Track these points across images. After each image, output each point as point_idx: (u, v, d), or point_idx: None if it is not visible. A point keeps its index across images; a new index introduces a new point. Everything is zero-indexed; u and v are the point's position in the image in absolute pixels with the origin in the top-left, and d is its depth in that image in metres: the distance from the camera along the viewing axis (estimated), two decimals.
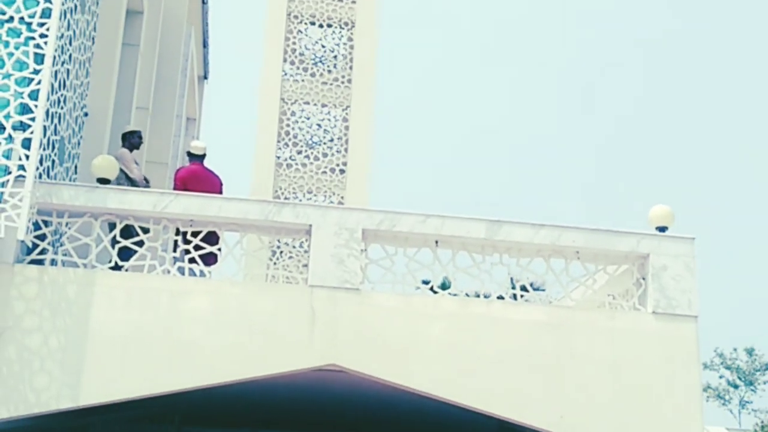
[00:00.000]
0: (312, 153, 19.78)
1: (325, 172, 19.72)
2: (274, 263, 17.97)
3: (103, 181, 8.76)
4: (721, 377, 58.31)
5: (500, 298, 8.80)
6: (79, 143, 10.01)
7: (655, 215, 8.89)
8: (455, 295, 8.63)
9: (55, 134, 8.90)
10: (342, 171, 19.76)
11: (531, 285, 8.86)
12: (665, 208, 8.89)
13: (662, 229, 8.87)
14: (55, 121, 8.85)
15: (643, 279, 8.81)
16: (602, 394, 8.31)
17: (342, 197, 19.44)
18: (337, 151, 19.89)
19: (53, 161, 8.90)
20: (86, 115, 10.24)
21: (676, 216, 8.85)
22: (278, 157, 19.70)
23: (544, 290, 9.00)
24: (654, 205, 8.98)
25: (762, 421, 36.32)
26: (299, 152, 19.71)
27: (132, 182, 9.97)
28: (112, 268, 8.38)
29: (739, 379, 57.60)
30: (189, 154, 10.48)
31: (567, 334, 8.45)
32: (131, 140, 10.68)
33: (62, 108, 9.07)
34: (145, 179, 10.31)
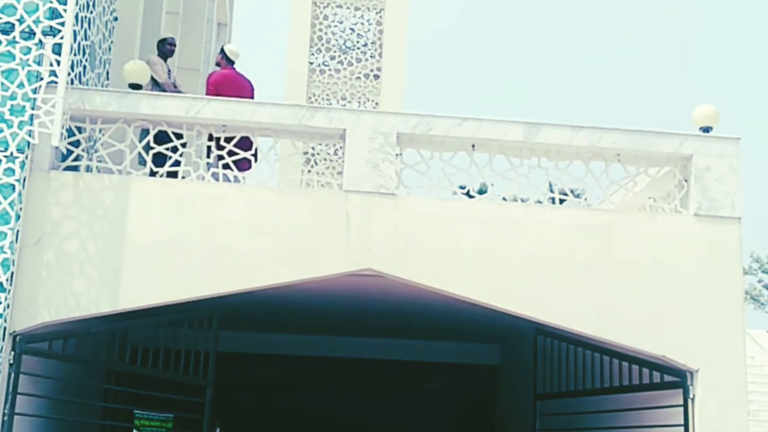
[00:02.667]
0: (345, 58, 19.46)
1: (359, 78, 19.43)
2: (309, 170, 17.93)
3: (135, 86, 8.66)
4: (759, 281, 58.04)
5: (538, 202, 8.66)
6: (109, 48, 9.90)
7: (700, 115, 8.62)
8: (487, 198, 8.51)
9: (86, 39, 8.78)
10: (376, 77, 19.46)
11: (571, 191, 8.69)
12: (710, 108, 8.61)
13: (706, 129, 8.62)
14: (85, 25, 8.72)
15: (686, 181, 8.61)
16: (641, 297, 8.22)
17: (376, 103, 19.19)
18: (371, 56, 19.54)
19: (84, 67, 8.81)
20: (116, 19, 10.09)
21: (720, 116, 8.58)
22: (311, 63, 19.40)
23: (579, 196, 8.80)
24: (698, 105, 8.72)
25: None
26: (332, 58, 19.41)
27: (160, 87, 9.86)
28: (147, 175, 8.36)
29: None
30: (222, 53, 10.29)
31: (606, 237, 8.32)
32: (162, 48, 10.57)
33: (92, 12, 8.93)
34: (174, 86, 10.19)
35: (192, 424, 8.71)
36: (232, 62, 10.28)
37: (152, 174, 8.41)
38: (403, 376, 16.34)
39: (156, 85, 9.91)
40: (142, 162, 8.67)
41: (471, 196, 8.59)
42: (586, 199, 8.92)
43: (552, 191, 8.67)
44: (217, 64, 10.41)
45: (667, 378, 8.33)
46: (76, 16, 8.27)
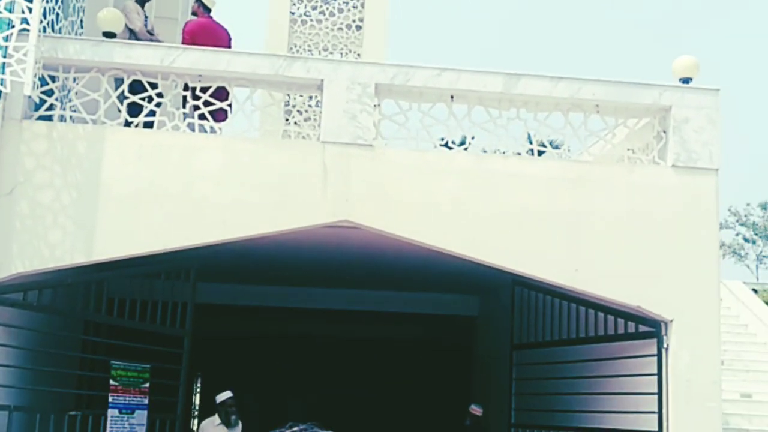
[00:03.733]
0: (327, 8, 19.23)
1: (341, 29, 19.21)
2: (292, 122, 17.80)
3: (109, 35, 8.51)
4: (737, 234, 58.58)
5: (517, 154, 8.64)
6: None
7: (679, 66, 8.59)
8: (466, 149, 8.48)
9: None
10: (359, 27, 19.25)
11: (550, 143, 8.67)
12: (690, 59, 8.58)
13: (686, 80, 8.59)
14: None
15: (664, 132, 8.60)
16: (618, 248, 8.26)
17: (358, 54, 19.01)
18: (354, 6, 19.32)
19: (57, 14, 8.64)
20: None
21: (700, 67, 8.55)
22: (292, 13, 19.16)
23: (558, 148, 8.78)
24: (678, 56, 8.68)
25: None
26: (314, 8, 19.17)
27: (135, 36, 9.70)
28: (122, 125, 8.26)
29: (756, 234, 57.84)
30: (199, 2, 10.10)
31: (584, 188, 8.33)
32: None
33: None
34: (150, 33, 10.01)
35: (170, 374, 8.74)
36: (208, 10, 10.12)
37: (127, 124, 8.31)
38: (383, 327, 16.46)
39: (132, 33, 9.74)
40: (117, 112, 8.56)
41: (450, 148, 8.55)
42: (569, 150, 8.90)
43: (531, 143, 8.65)
44: (194, 13, 10.24)
45: (642, 328, 8.41)
46: None
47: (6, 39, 7.75)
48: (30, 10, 7.78)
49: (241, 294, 13.55)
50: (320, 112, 8.37)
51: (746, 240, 58.48)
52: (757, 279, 50.71)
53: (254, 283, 13.45)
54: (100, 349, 9.29)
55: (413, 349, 18.63)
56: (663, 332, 8.25)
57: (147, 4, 10.42)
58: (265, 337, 18.26)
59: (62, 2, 8.78)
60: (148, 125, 8.35)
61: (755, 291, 21.68)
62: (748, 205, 58.64)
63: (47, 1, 8.18)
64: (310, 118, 17.79)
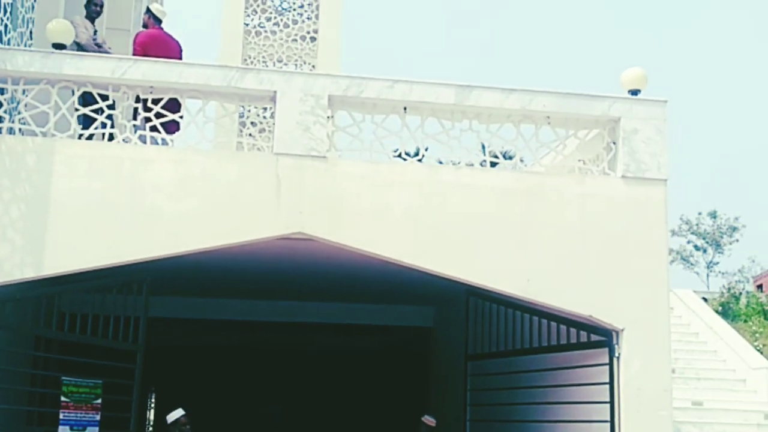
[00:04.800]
0: (281, 20, 19.24)
1: (295, 40, 19.23)
2: (247, 133, 17.74)
3: (59, 46, 8.41)
4: (688, 242, 59.51)
5: (469, 165, 8.70)
6: (32, 7, 9.62)
7: (628, 78, 8.72)
8: (420, 161, 8.52)
9: None
10: (313, 39, 19.28)
11: (505, 155, 8.74)
12: (638, 71, 8.72)
13: (635, 92, 8.73)
14: None
15: (614, 143, 8.73)
16: (570, 258, 8.35)
17: (313, 66, 19.04)
18: (308, 18, 19.35)
19: (6, 26, 8.55)
20: None
21: (648, 78, 8.70)
22: (246, 25, 19.15)
23: (512, 158, 8.88)
24: (626, 68, 8.81)
25: (729, 284, 37.24)
26: (268, 19, 19.17)
27: (81, 48, 9.60)
28: (72, 137, 8.16)
29: (706, 242, 58.79)
30: (149, 12, 10.06)
31: (536, 199, 8.41)
32: (88, 9, 10.30)
33: None
34: (99, 45, 9.93)
35: (123, 389, 8.63)
36: (159, 21, 10.07)
37: (78, 137, 8.22)
38: (338, 340, 16.43)
39: (79, 46, 9.64)
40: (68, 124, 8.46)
41: (405, 159, 8.59)
42: (522, 161, 8.98)
43: (485, 154, 8.71)
44: (144, 25, 10.18)
45: (594, 337, 8.50)
46: None
47: None
48: None
49: (195, 307, 13.44)
50: (273, 123, 8.35)
51: (697, 248, 59.42)
52: (708, 287, 51.52)
53: (209, 296, 13.35)
54: (52, 365, 9.15)
55: (370, 360, 18.62)
56: (614, 341, 8.34)
57: (97, 18, 10.36)
58: (220, 350, 18.12)
59: (11, 14, 8.68)
60: (99, 137, 8.26)
61: (705, 300, 22.05)
62: (699, 214, 59.67)
63: None
64: (264, 130, 17.76)
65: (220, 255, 8.60)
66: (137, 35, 10.08)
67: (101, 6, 10.36)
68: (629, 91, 8.76)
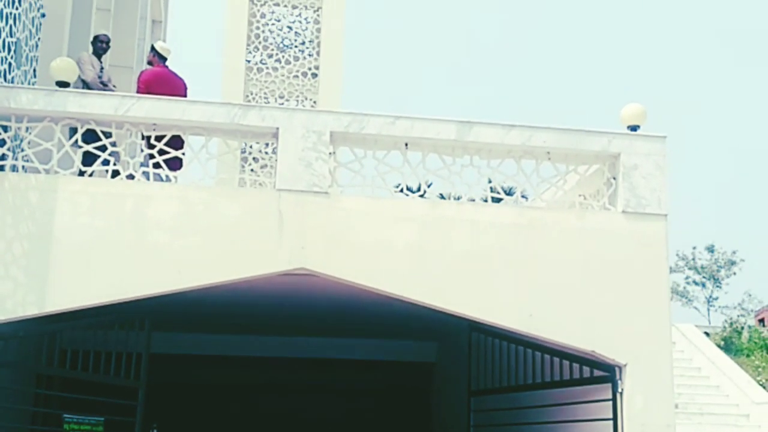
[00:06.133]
0: (283, 56, 19.34)
1: (297, 76, 19.32)
2: (249, 169, 17.80)
3: (63, 84, 8.49)
4: (686, 278, 59.19)
5: (471, 200, 8.73)
6: (36, 45, 9.70)
7: (627, 114, 8.78)
8: (422, 196, 8.55)
9: (11, 36, 8.60)
10: (314, 75, 19.37)
11: (506, 190, 8.79)
12: (637, 107, 8.78)
13: (634, 128, 8.79)
14: (11, 22, 8.54)
15: (614, 178, 8.76)
16: (571, 293, 8.35)
17: (314, 102, 19.11)
18: (309, 55, 19.46)
19: (10, 64, 8.63)
20: (43, 16, 9.90)
21: (647, 114, 8.76)
22: (248, 61, 19.23)
23: (512, 194, 8.92)
24: (626, 103, 8.88)
25: (730, 318, 37.13)
26: (270, 56, 19.28)
27: (87, 86, 9.70)
28: (76, 174, 8.21)
29: (704, 277, 58.50)
30: (153, 50, 10.16)
31: (537, 234, 8.43)
32: (94, 46, 10.42)
33: (17, 8, 8.75)
34: (103, 83, 10.02)
35: (124, 426, 8.59)
36: (164, 59, 10.16)
37: (81, 173, 8.27)
38: (340, 375, 16.34)
39: (84, 84, 9.74)
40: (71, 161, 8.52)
41: (407, 194, 8.63)
42: (524, 197, 9.01)
43: (492, 190, 8.74)
44: (149, 63, 10.28)
45: (597, 373, 8.47)
46: (1, 12, 8.10)
47: None
48: None
49: (197, 343, 13.41)
50: (276, 159, 8.40)
51: (696, 283, 59.11)
52: (709, 322, 51.32)
53: (210, 332, 13.33)
54: (53, 402, 9.11)
55: (371, 395, 18.51)
56: (617, 377, 8.32)
57: (104, 55, 10.47)
58: (222, 387, 18.03)
59: (15, 52, 8.77)
60: (102, 174, 8.31)
61: (707, 334, 21.97)
62: (694, 248, 59.35)
63: None
64: (266, 165, 17.82)
65: (222, 291, 8.61)
66: (141, 73, 10.18)
67: (107, 42, 10.47)
68: (629, 127, 8.82)
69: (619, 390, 8.28)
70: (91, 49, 10.49)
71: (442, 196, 8.86)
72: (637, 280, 8.46)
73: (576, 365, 8.66)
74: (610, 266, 8.44)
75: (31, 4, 9.28)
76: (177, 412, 18.20)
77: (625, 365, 8.30)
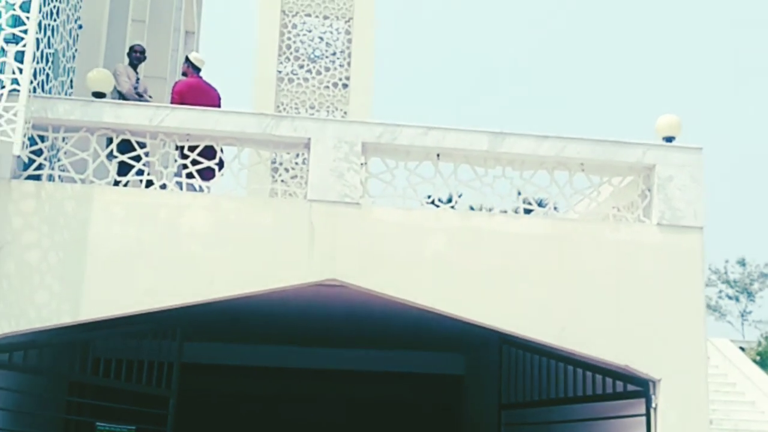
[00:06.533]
0: (314, 67, 19.44)
1: (327, 87, 19.41)
2: (278, 180, 17.87)
3: (99, 95, 8.58)
4: (719, 292, 58.54)
5: (503, 212, 8.69)
6: (73, 57, 9.80)
7: (663, 125, 8.71)
8: (453, 207, 8.53)
9: (49, 47, 8.69)
10: (345, 85, 19.46)
11: (538, 202, 8.74)
12: (673, 118, 8.70)
13: (669, 139, 8.71)
14: (49, 33, 8.64)
15: (649, 190, 8.68)
16: (604, 306, 8.27)
17: (345, 112, 19.19)
18: (340, 65, 19.55)
19: (47, 75, 8.72)
20: (80, 27, 10.00)
21: (683, 125, 8.68)
22: (279, 72, 19.36)
23: (545, 205, 8.87)
24: (661, 114, 8.81)
25: (765, 332, 36.62)
26: (301, 66, 19.39)
27: (122, 97, 9.79)
28: (110, 184, 8.29)
29: (737, 291, 57.82)
30: (188, 61, 10.23)
31: (570, 246, 8.36)
32: (130, 56, 10.53)
33: (56, 20, 8.85)
34: (138, 94, 10.11)
35: None
36: (198, 70, 10.23)
37: (116, 183, 8.34)
38: (369, 387, 16.30)
39: (120, 95, 9.83)
40: (106, 171, 8.59)
41: (436, 205, 8.61)
42: (556, 208, 8.96)
43: (523, 202, 8.70)
44: (184, 74, 10.35)
45: (630, 387, 8.38)
46: (40, 24, 8.18)
47: None
48: (20, 70, 7.86)
49: (227, 353, 13.46)
50: (307, 170, 8.42)
51: (729, 297, 58.44)
52: (743, 336, 50.61)
53: (240, 342, 13.37)
54: (85, 410, 9.17)
55: (400, 408, 18.45)
56: (651, 392, 8.22)
57: (141, 66, 10.56)
58: (251, 397, 18.06)
59: (53, 63, 8.86)
60: (136, 183, 8.37)
61: (742, 349, 21.68)
62: (726, 262, 58.72)
63: (38, 62, 8.26)
64: (297, 176, 17.88)
65: (254, 301, 8.63)
66: (175, 84, 10.25)
67: (142, 52, 10.56)
68: (664, 138, 8.74)
69: (653, 405, 8.18)
70: (127, 60, 10.60)
71: (471, 208, 8.81)
72: (672, 294, 8.36)
73: (609, 380, 8.57)
74: (645, 279, 8.36)
75: (68, 16, 9.38)
76: (206, 422, 18.24)
77: (659, 380, 8.20)
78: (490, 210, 8.70)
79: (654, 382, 8.23)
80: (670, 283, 8.39)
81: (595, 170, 8.74)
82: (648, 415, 8.19)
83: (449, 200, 8.69)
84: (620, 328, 8.24)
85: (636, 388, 8.32)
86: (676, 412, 8.13)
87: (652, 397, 8.20)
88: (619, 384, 8.48)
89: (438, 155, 8.56)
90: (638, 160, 8.64)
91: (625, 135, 8.83)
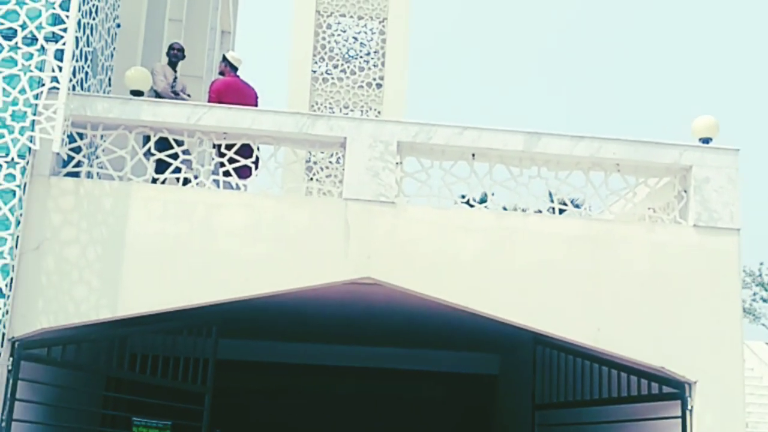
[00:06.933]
0: (348, 67, 19.47)
1: (361, 87, 19.44)
2: (311, 178, 17.95)
3: (137, 93, 8.69)
4: (754, 295, 57.76)
5: (538, 212, 8.67)
6: (112, 55, 9.93)
7: (699, 126, 8.64)
8: (487, 207, 8.51)
9: (88, 46, 8.81)
10: (379, 85, 19.47)
11: (571, 202, 8.70)
12: (710, 119, 8.63)
13: (706, 140, 8.63)
14: (88, 32, 8.76)
15: (685, 191, 8.62)
16: (640, 308, 8.22)
17: (379, 112, 19.20)
18: (374, 65, 19.56)
19: (86, 73, 8.84)
20: (119, 26, 10.13)
21: (720, 126, 8.60)
22: (314, 72, 19.40)
23: (579, 206, 8.83)
24: (698, 115, 8.73)
25: None
26: (335, 66, 19.43)
27: (158, 95, 9.88)
28: (148, 181, 8.38)
29: None
30: (225, 60, 10.30)
31: (605, 247, 8.32)
32: (168, 54, 10.62)
33: (94, 19, 8.96)
34: (175, 92, 10.20)
35: (191, 430, 8.70)
36: (235, 69, 10.29)
37: (153, 181, 8.43)
38: (402, 385, 16.32)
39: (156, 94, 9.93)
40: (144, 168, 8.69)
41: (471, 205, 8.60)
42: (587, 209, 8.92)
43: (552, 201, 8.68)
44: (221, 73, 10.42)
45: (666, 389, 8.32)
46: (79, 23, 8.30)
47: (36, 97, 7.94)
48: (60, 68, 7.97)
49: (262, 350, 13.53)
50: (341, 168, 8.46)
51: (763, 300, 57.64)
52: None
53: (275, 340, 13.44)
54: (122, 405, 9.29)
55: (433, 407, 18.45)
56: (687, 393, 8.16)
57: (179, 64, 10.65)
58: (285, 394, 18.15)
59: (91, 61, 8.98)
60: (173, 181, 8.46)
61: None
62: (761, 264, 57.88)
63: (77, 60, 8.37)
64: (331, 175, 17.94)
65: (289, 298, 8.68)
66: (213, 82, 10.33)
67: (181, 51, 10.65)
68: (700, 139, 8.67)
69: (689, 407, 8.12)
70: (166, 59, 10.70)
71: (504, 208, 8.80)
72: (709, 295, 8.29)
73: (644, 381, 8.50)
74: (681, 280, 8.29)
75: (107, 15, 9.50)
76: (240, 419, 18.37)
77: (695, 382, 8.13)
78: (524, 210, 8.68)
79: (690, 384, 8.17)
80: (706, 284, 8.32)
81: (631, 171, 8.68)
82: (684, 417, 8.13)
83: (482, 200, 8.69)
84: (656, 329, 8.19)
85: (672, 390, 8.26)
86: (712, 415, 8.06)
87: (688, 399, 8.14)
88: (655, 386, 8.42)
89: (473, 155, 8.55)
90: (675, 162, 8.58)
91: (661, 135, 8.77)
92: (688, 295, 8.29)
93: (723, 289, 8.36)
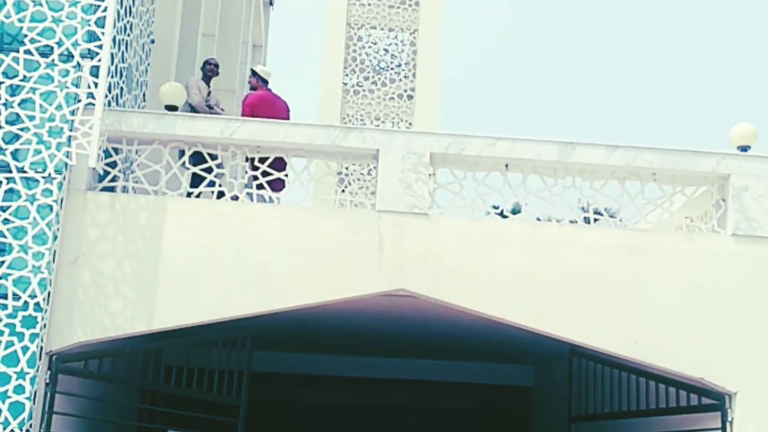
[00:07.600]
0: (379, 79, 19.53)
1: (392, 98, 19.48)
2: (343, 190, 17.97)
3: (171, 108, 8.76)
4: None
5: (572, 222, 8.60)
6: (146, 70, 10.02)
7: (737, 134, 8.53)
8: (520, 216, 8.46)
9: (123, 61, 8.90)
10: (410, 97, 19.50)
11: (606, 210, 8.62)
12: (748, 127, 8.52)
13: (744, 148, 8.52)
14: (123, 48, 8.85)
15: (723, 200, 8.51)
16: (678, 318, 8.12)
17: (410, 123, 19.22)
18: (405, 77, 19.60)
19: (121, 89, 8.93)
20: (153, 42, 10.22)
21: (759, 134, 8.49)
22: (345, 84, 19.49)
23: (614, 216, 8.75)
24: (736, 123, 8.63)
25: None
26: (366, 78, 19.49)
27: (193, 109, 9.95)
28: (183, 195, 8.43)
29: None
30: (254, 74, 10.36)
31: (642, 257, 8.23)
32: (203, 69, 10.71)
33: (129, 35, 9.06)
34: (209, 106, 10.27)
35: None
36: (266, 82, 10.35)
37: (188, 195, 8.48)
38: (437, 397, 16.26)
39: (191, 108, 10.00)
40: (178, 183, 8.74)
41: (504, 216, 8.56)
42: (621, 220, 8.84)
43: (586, 211, 8.61)
44: (253, 88, 10.48)
45: (705, 401, 8.19)
46: (114, 39, 8.39)
47: (72, 113, 8.03)
48: (96, 84, 8.06)
49: (296, 362, 13.54)
50: (373, 180, 8.46)
51: None
52: None
53: (309, 352, 13.45)
54: (156, 418, 9.33)
55: (468, 419, 18.35)
56: (727, 405, 8.03)
57: (213, 79, 10.73)
58: (319, 406, 18.15)
59: (126, 77, 9.07)
60: (208, 195, 8.50)
61: None
62: None
63: (112, 76, 8.46)
64: (363, 186, 17.95)
65: (322, 311, 8.68)
66: (246, 97, 10.39)
67: (215, 65, 10.73)
68: (738, 147, 8.56)
69: (729, 419, 7.99)
70: (200, 73, 10.78)
71: (537, 219, 8.74)
72: (748, 305, 8.17)
73: (683, 392, 8.39)
74: (720, 290, 8.18)
75: (141, 31, 9.60)
76: (273, 430, 18.37)
77: (735, 393, 8.01)
78: (558, 221, 8.61)
79: (730, 396, 8.04)
80: (745, 294, 8.20)
81: (667, 180, 8.59)
82: (723, 429, 8.00)
83: (514, 211, 8.64)
84: (695, 340, 8.08)
85: (711, 401, 8.14)
86: (752, 427, 7.93)
87: (728, 410, 8.01)
88: (694, 397, 8.30)
89: (507, 165, 8.51)
90: (712, 170, 8.47)
91: (699, 144, 8.67)
92: (727, 304, 8.17)
93: (762, 299, 8.23)
